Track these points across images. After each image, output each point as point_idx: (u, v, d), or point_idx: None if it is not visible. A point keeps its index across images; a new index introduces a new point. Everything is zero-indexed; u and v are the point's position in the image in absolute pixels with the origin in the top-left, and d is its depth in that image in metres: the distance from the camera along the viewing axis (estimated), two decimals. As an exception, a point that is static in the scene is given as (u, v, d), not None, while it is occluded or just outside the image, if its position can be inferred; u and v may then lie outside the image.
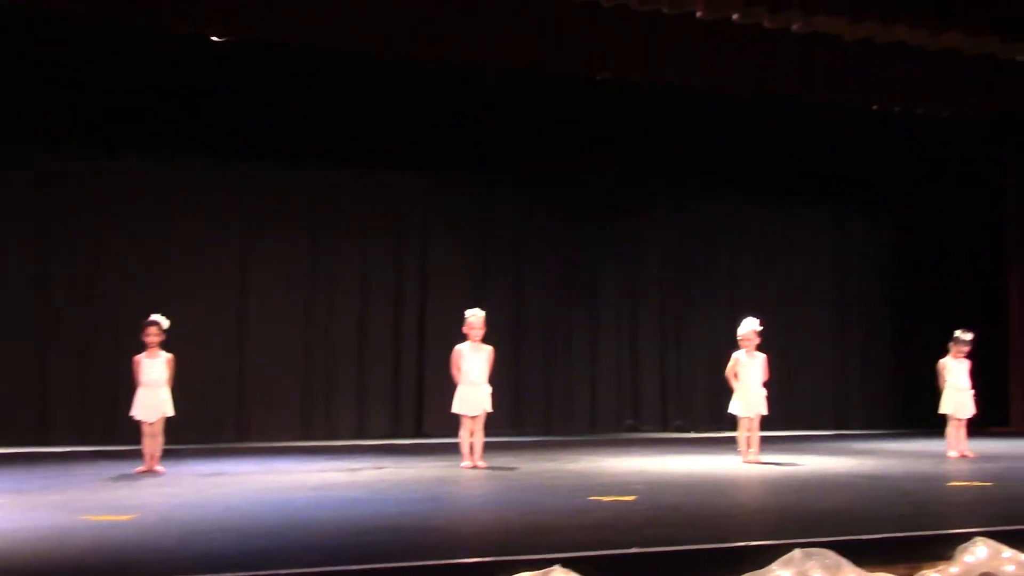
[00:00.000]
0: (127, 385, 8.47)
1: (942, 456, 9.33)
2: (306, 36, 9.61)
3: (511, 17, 10.03)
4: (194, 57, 10.94)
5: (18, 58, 10.59)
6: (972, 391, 9.44)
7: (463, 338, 8.56)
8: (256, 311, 11.61)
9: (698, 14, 10.17)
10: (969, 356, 9.47)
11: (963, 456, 9.25)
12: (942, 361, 9.48)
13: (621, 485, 7.01)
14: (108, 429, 10.69)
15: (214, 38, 9.66)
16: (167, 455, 8.32)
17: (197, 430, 10.83)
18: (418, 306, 12.24)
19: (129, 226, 11.17)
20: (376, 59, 11.00)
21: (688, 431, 13.05)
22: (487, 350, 8.46)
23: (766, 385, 8.87)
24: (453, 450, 8.59)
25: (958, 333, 9.47)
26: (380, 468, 8.41)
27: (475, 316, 8.47)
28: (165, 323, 8.13)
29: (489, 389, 8.41)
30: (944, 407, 9.45)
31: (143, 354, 8.09)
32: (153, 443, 8.00)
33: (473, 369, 8.36)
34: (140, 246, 11.19)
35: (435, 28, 9.86)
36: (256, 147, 11.63)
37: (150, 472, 7.89)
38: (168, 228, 11.31)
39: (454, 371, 8.45)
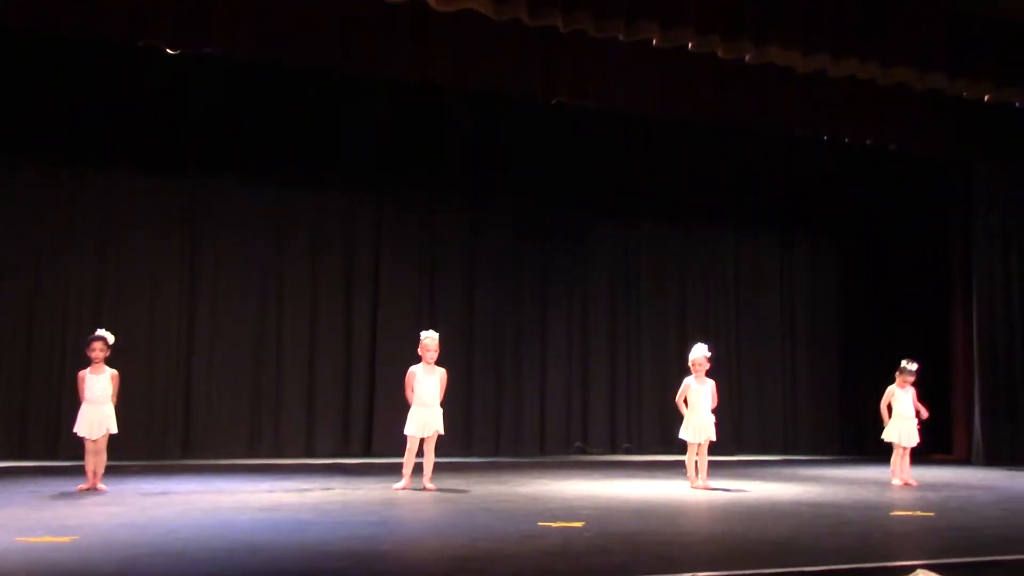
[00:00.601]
0: (69, 400, 8.34)
1: (886, 484, 9.47)
2: (260, 52, 9.56)
3: (467, 39, 10.06)
4: (146, 70, 10.85)
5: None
6: (916, 420, 9.59)
7: (415, 358, 8.53)
8: (203, 326, 11.48)
9: (654, 42, 10.29)
10: (914, 385, 9.65)
11: (907, 484, 9.39)
12: (889, 389, 9.64)
13: (570, 510, 7.02)
14: (49, 445, 10.51)
15: (168, 51, 9.55)
16: (111, 472, 8.18)
17: (142, 447, 10.70)
18: (369, 325, 12.18)
19: (73, 239, 11.02)
20: (329, 77, 10.98)
21: (635, 453, 13.13)
22: (440, 372, 8.46)
23: (715, 411, 8.95)
24: (402, 470, 8.54)
25: (904, 363, 9.64)
26: (329, 489, 8.33)
27: (430, 338, 8.46)
28: (110, 338, 8.00)
29: (440, 411, 8.40)
30: (888, 435, 9.60)
31: (87, 369, 7.95)
32: (96, 460, 7.85)
33: (426, 391, 8.34)
34: (84, 260, 11.03)
35: (389, 49, 9.86)
36: (205, 161, 11.57)
37: (92, 490, 7.74)
38: (113, 241, 11.17)
39: (408, 392, 8.41)
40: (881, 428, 9.73)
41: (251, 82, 11.40)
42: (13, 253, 10.76)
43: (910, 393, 9.60)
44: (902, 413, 9.53)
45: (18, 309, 10.74)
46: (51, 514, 6.55)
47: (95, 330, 8.19)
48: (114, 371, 7.98)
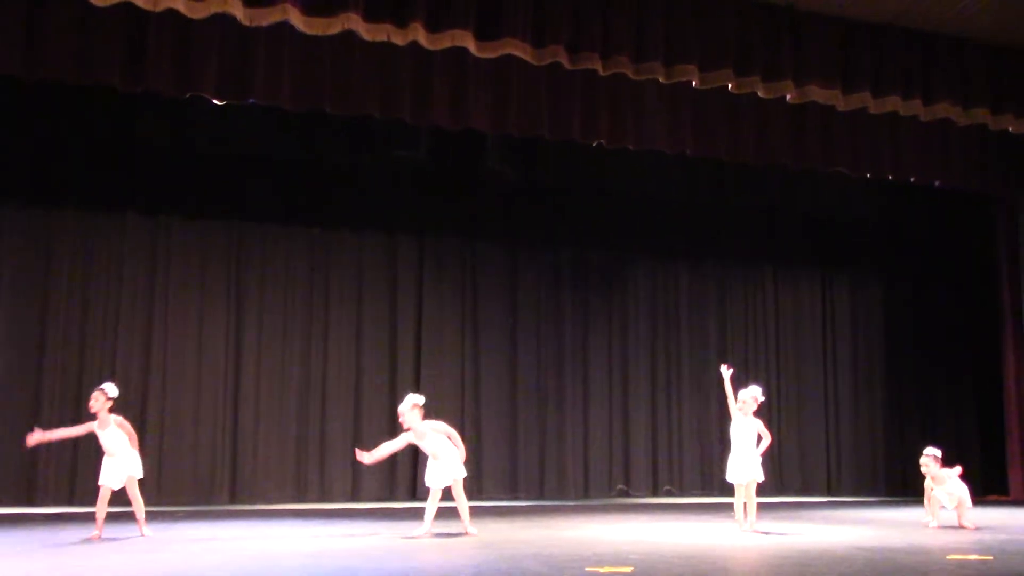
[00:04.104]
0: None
1: (937, 527, 9.23)
2: (302, 101, 9.69)
3: (507, 85, 10.13)
4: (191, 119, 11.08)
5: (15, 122, 10.75)
6: (962, 497, 9.27)
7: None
8: (250, 373, 11.59)
9: (694, 83, 10.33)
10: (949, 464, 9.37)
11: (962, 527, 9.15)
12: (929, 480, 9.32)
13: (617, 555, 6.93)
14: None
15: (215, 101, 9.73)
16: (161, 517, 8.22)
17: (190, 492, 10.78)
18: (412, 369, 12.23)
19: (121, 286, 11.21)
20: (370, 124, 11.11)
21: (677, 496, 13.03)
22: (436, 425, 8.20)
23: (765, 451, 8.75)
24: (448, 515, 8.50)
25: (928, 451, 9.35)
26: (375, 534, 8.31)
27: (403, 404, 8.18)
28: (111, 391, 7.83)
29: (455, 455, 8.09)
30: (934, 492, 9.36)
31: (94, 423, 7.78)
32: (134, 506, 7.85)
33: (431, 445, 8.09)
34: (132, 306, 11.20)
35: (429, 95, 9.96)
36: (251, 207, 11.74)
37: (98, 539, 7.67)
38: (161, 288, 11.34)
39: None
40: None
41: (293, 129, 11.58)
42: (62, 299, 10.95)
43: (955, 476, 9.30)
44: (942, 500, 9.28)
45: (67, 355, 10.90)
46: (101, 561, 6.59)
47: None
48: (118, 417, 7.84)
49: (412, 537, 7.99)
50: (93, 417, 7.81)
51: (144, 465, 8.10)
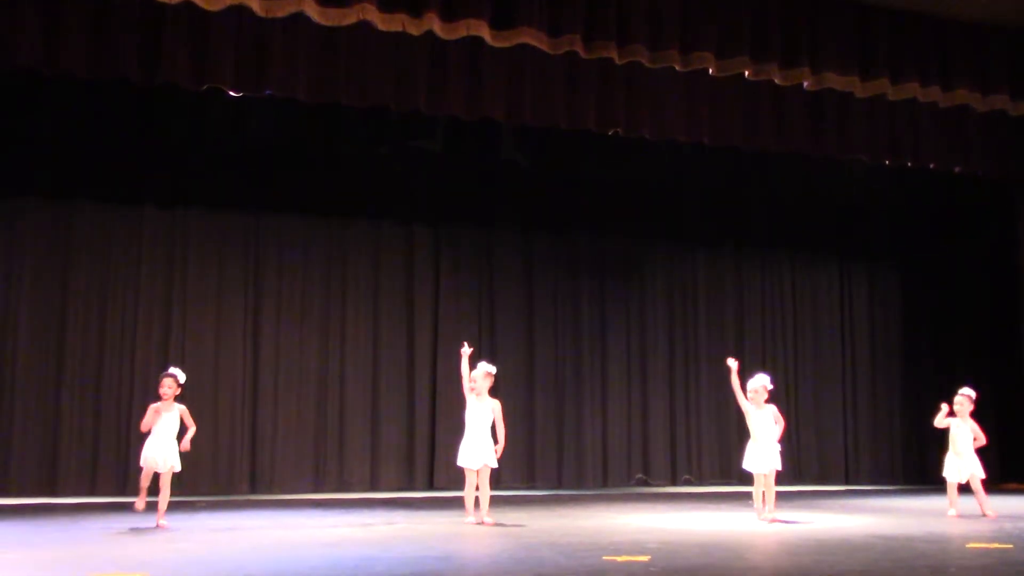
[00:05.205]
0: (138, 437, 8.44)
1: (957, 515, 9.21)
2: (317, 92, 9.68)
3: (522, 74, 10.09)
4: (207, 111, 11.13)
5: (34, 116, 10.82)
6: (976, 454, 9.27)
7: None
8: (268, 363, 11.64)
9: (710, 71, 10.27)
10: (973, 416, 9.35)
11: (984, 515, 9.12)
12: (950, 421, 9.31)
13: (635, 544, 6.94)
14: (119, 481, 10.70)
15: (231, 93, 9.73)
16: (180, 508, 8.28)
17: (210, 483, 10.86)
18: (429, 359, 12.25)
19: (140, 278, 11.26)
20: (385, 114, 11.11)
21: (696, 485, 13.02)
22: (492, 403, 8.27)
23: (780, 438, 8.75)
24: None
25: (964, 390, 9.36)
26: (392, 524, 8.35)
27: (475, 370, 8.35)
28: (181, 377, 8.09)
29: (492, 443, 8.20)
30: (945, 471, 9.35)
31: (160, 404, 8.03)
32: (160, 497, 7.92)
33: (474, 421, 8.23)
34: (151, 298, 11.26)
35: (444, 85, 9.92)
36: (268, 199, 11.76)
37: (157, 528, 7.79)
38: (179, 280, 11.38)
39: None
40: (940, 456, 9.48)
41: (308, 121, 11.60)
42: (81, 292, 11.02)
43: (969, 426, 9.29)
44: (958, 449, 9.26)
45: (86, 348, 10.97)
46: (121, 551, 6.65)
47: (165, 368, 8.33)
48: (182, 406, 8.06)
49: (463, 524, 8.03)
50: (150, 402, 8.01)
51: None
